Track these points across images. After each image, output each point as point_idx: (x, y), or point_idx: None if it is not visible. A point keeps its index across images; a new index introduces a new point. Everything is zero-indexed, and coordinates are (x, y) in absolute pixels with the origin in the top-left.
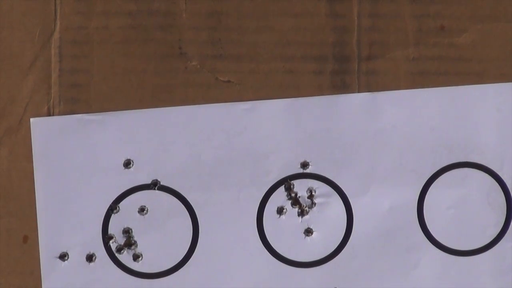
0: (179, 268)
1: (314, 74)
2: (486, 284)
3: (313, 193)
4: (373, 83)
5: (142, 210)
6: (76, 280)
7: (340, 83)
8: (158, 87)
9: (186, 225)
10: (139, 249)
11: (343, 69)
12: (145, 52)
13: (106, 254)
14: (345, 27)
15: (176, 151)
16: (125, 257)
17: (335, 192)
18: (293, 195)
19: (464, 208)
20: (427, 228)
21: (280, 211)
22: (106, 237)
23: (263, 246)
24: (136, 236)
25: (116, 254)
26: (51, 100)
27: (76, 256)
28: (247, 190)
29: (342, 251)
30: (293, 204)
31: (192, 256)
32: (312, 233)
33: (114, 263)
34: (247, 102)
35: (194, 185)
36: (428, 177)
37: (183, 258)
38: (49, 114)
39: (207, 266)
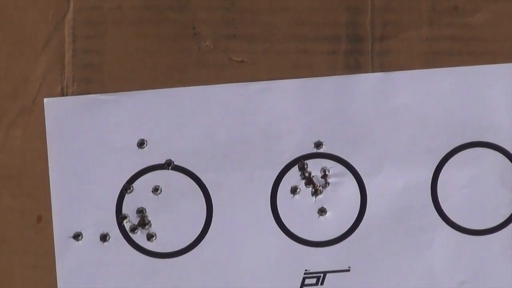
0: (193, 248)
1: (327, 54)
2: (499, 263)
3: (326, 173)
4: (386, 63)
5: (156, 190)
6: (90, 260)
7: (353, 63)
8: (172, 68)
9: (200, 205)
10: (153, 229)
11: (356, 49)
12: (159, 33)
13: (120, 234)
14: (358, 7)
15: (190, 131)
16: (139, 236)
17: (349, 172)
18: (306, 174)
19: (478, 187)
20: (441, 208)
21: (293, 190)
22: (120, 217)
23: (277, 226)
24: (150, 216)
25: (130, 234)
26: (65, 80)
27: (90, 236)
28: (261, 170)
29: (356, 230)
30: (306, 184)
31: (206, 236)
32: (325, 213)
33: (128, 242)
34: (260, 82)
35: (208, 165)
36: (442, 156)
37: (197, 238)
38: (62, 94)
39: (220, 245)
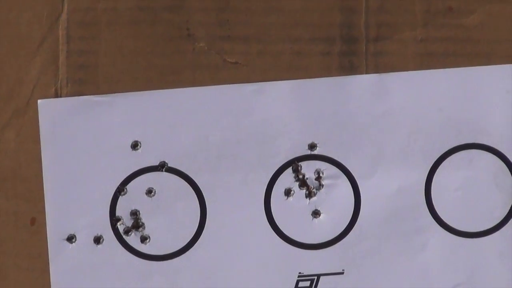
0: (187, 250)
1: (322, 55)
2: (494, 266)
3: (320, 175)
4: (381, 64)
5: (149, 192)
6: (83, 262)
7: (348, 64)
8: (166, 69)
9: (193, 207)
10: (146, 231)
11: (351, 51)
12: (153, 34)
13: (114, 236)
14: (353, 8)
15: (184, 133)
16: (133, 239)
17: (343, 174)
18: (300, 176)
19: (472, 189)
20: (435, 210)
21: (287, 193)
22: (114, 219)
23: (271, 228)
24: (143, 218)
25: (124, 236)
26: (59, 82)
27: (84, 238)
28: (255, 171)
29: (350, 233)
30: (300, 186)
31: (200, 238)
32: (319, 215)
33: (122, 245)
34: (254, 83)
35: (201, 167)
36: (436, 158)
37: (190, 240)
38: (56, 95)
39: (214, 248)
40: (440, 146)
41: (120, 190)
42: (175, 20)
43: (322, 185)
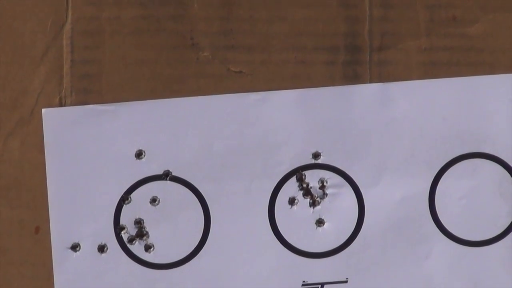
0: (191, 259)
1: (325, 64)
2: (498, 275)
3: (324, 184)
4: (384, 73)
5: (153, 200)
6: (87, 271)
7: (351, 73)
8: (170, 78)
9: (197, 216)
10: (150, 240)
11: (354, 60)
12: (157, 43)
13: (118, 245)
14: (356, 17)
15: (188, 142)
16: (137, 247)
17: (347, 183)
18: (304, 185)
19: (476, 198)
20: (439, 219)
21: (291, 201)
22: (118, 228)
23: (275, 237)
24: (147, 227)
25: (128, 245)
26: (63, 91)
27: (88, 247)
28: (259, 180)
29: (354, 241)
30: (304, 195)
31: (204, 247)
32: (323, 224)
33: (126, 253)
34: (258, 92)
35: (206, 176)
36: (440, 167)
37: (194, 249)
38: (61, 104)
39: (218, 256)
40: (443, 155)
41: (124, 198)
42: (179, 29)
43: (326, 194)
